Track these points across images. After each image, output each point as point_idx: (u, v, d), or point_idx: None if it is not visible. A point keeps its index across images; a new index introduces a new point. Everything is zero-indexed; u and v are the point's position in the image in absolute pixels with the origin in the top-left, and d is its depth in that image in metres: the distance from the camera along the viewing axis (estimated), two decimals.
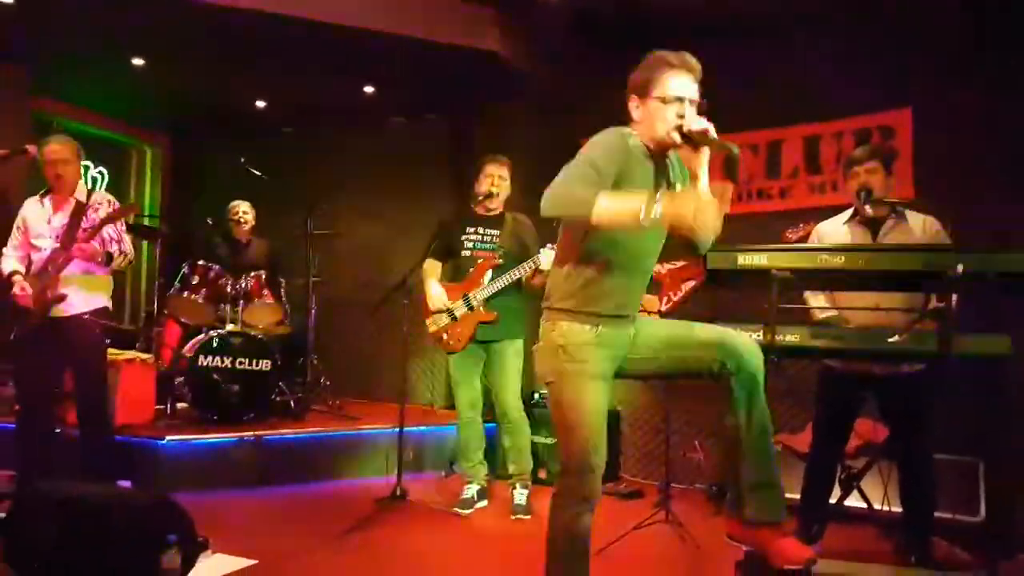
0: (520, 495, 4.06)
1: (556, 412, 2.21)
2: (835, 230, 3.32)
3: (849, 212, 3.31)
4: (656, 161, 2.25)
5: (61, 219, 3.71)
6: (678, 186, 2.32)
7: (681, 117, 2.16)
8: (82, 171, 3.86)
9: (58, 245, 3.65)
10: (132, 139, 7.12)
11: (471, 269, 4.08)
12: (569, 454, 2.15)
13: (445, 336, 4.08)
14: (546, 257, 3.83)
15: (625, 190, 2.06)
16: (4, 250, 3.84)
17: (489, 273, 4.05)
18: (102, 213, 3.72)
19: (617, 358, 2.22)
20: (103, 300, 3.78)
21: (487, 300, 4.01)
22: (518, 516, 3.97)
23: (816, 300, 3.24)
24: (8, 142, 4.77)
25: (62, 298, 3.60)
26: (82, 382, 3.70)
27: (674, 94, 2.18)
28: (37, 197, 3.82)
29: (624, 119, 2.31)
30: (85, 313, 3.67)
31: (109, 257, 3.69)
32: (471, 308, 4.03)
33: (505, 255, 4.05)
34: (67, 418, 4.01)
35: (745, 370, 2.12)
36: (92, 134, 6.64)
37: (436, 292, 4.10)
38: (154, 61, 5.33)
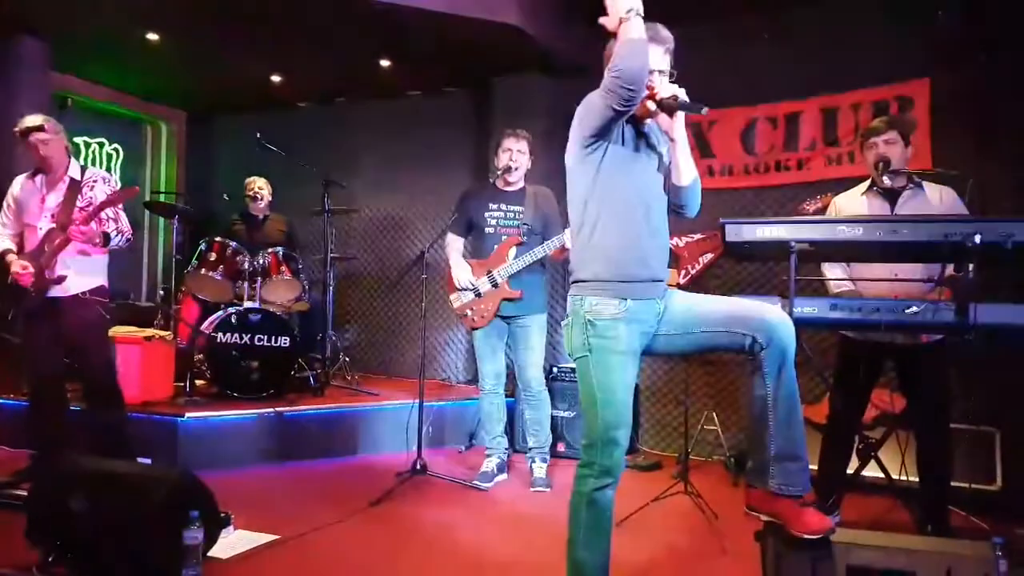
0: (539, 468, 4.13)
1: (584, 386, 2.24)
2: (852, 202, 3.30)
3: (866, 184, 3.29)
4: (637, 129, 2.32)
5: (56, 198, 3.64)
6: (663, 152, 2.38)
7: (652, 87, 2.21)
8: (69, 146, 3.75)
9: (54, 225, 3.59)
10: (147, 115, 7.13)
11: (496, 246, 4.09)
12: (595, 428, 2.19)
13: (470, 312, 4.13)
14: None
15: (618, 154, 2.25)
16: None
17: (513, 250, 4.06)
18: (97, 190, 3.66)
19: (646, 333, 2.24)
20: (100, 279, 3.74)
21: (511, 277, 4.03)
22: (537, 488, 4.03)
23: (832, 271, 3.23)
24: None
25: (61, 279, 3.57)
26: (86, 361, 3.67)
27: None
28: (28, 175, 3.75)
29: None
30: (83, 293, 3.64)
31: (107, 238, 3.64)
32: (495, 285, 4.06)
33: (528, 232, 4.06)
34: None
35: (776, 344, 2.12)
36: (107, 110, 6.68)
37: (462, 269, 4.13)
38: (169, 36, 5.31)
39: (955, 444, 3.31)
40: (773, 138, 4.94)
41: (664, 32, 2.30)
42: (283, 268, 5.11)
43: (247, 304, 4.93)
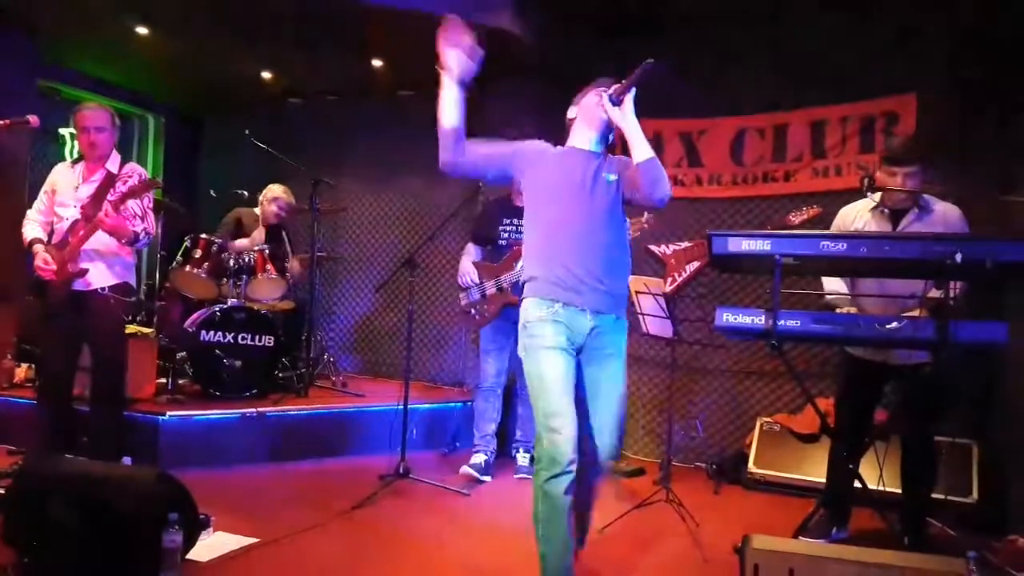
0: (523, 457, 4.39)
1: (527, 383, 2.48)
2: (861, 215, 3.31)
3: (877, 197, 3.25)
4: (575, 158, 2.65)
5: (88, 189, 3.60)
6: (608, 177, 2.60)
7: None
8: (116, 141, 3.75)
9: (79, 216, 3.54)
10: (135, 109, 7.06)
11: (506, 255, 4.31)
12: (537, 419, 2.41)
13: (473, 311, 4.40)
14: None
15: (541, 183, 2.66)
16: (28, 213, 3.73)
17: (521, 261, 4.13)
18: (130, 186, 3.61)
19: (573, 339, 2.47)
20: (123, 277, 3.68)
21: (515, 284, 4.15)
22: (520, 476, 4.29)
23: (831, 283, 3.27)
24: (13, 111, 4.76)
25: (83, 272, 3.51)
26: (99, 360, 3.62)
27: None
28: (69, 162, 3.73)
29: None
30: (103, 288, 3.59)
31: (135, 237, 3.59)
32: (500, 290, 4.29)
33: None
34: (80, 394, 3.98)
35: (590, 466, 2.51)
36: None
37: (469, 270, 4.43)
38: (159, 30, 5.26)
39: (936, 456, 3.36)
40: (761, 149, 4.97)
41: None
42: (268, 266, 5.06)
43: (231, 302, 4.90)
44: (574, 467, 2.32)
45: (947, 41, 4.29)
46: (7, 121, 3.68)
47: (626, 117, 2.50)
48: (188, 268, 4.89)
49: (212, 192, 5.70)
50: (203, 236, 5.00)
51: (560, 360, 2.42)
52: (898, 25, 4.43)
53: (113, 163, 3.69)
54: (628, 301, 2.69)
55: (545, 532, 2.33)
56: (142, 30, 5.25)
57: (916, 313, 2.83)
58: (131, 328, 4.80)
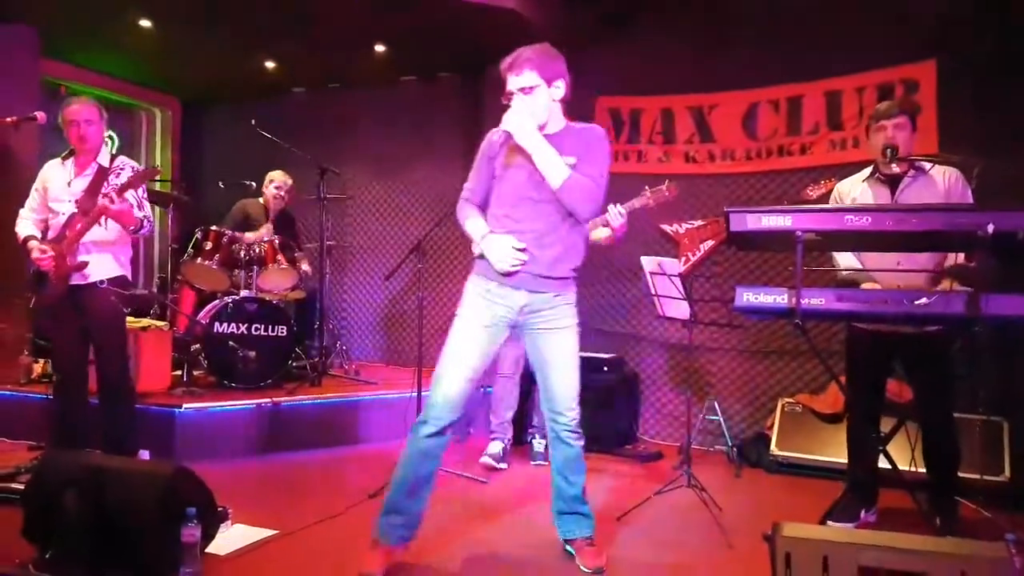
0: (539, 444, 4.34)
1: None
2: (854, 188, 3.25)
3: (868, 170, 3.23)
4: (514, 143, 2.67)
5: (82, 183, 3.60)
6: None
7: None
8: (105, 135, 3.76)
9: (76, 210, 3.54)
10: (141, 102, 7.03)
11: None
12: None
13: None
14: (615, 215, 3.76)
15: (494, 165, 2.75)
16: (20, 212, 3.73)
17: None
18: (124, 178, 3.59)
19: (504, 315, 2.64)
20: (121, 269, 3.68)
21: None
22: (537, 463, 4.26)
23: (843, 258, 3.17)
24: (17, 106, 4.71)
25: (83, 266, 3.51)
26: (101, 353, 3.62)
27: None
28: (59, 159, 3.71)
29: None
30: (102, 281, 3.59)
31: (140, 224, 3.59)
32: None
33: None
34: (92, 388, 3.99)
35: (556, 433, 2.77)
36: (101, 97, 6.53)
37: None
38: (162, 22, 5.22)
39: (964, 435, 3.27)
40: (775, 122, 4.87)
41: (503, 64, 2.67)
42: (279, 256, 5.04)
43: (243, 293, 4.88)
44: (440, 423, 2.62)
45: (968, 6, 4.17)
46: (15, 118, 3.66)
47: (528, 146, 2.55)
48: (200, 260, 4.89)
49: (220, 184, 5.67)
50: (213, 228, 4.99)
51: (467, 331, 2.64)
52: None
53: (103, 157, 3.69)
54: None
55: (396, 469, 2.68)
56: (146, 23, 5.21)
57: (946, 285, 2.74)
58: (145, 321, 4.81)
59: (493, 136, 2.72)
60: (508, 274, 2.60)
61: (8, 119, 3.67)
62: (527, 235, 2.58)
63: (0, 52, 5.18)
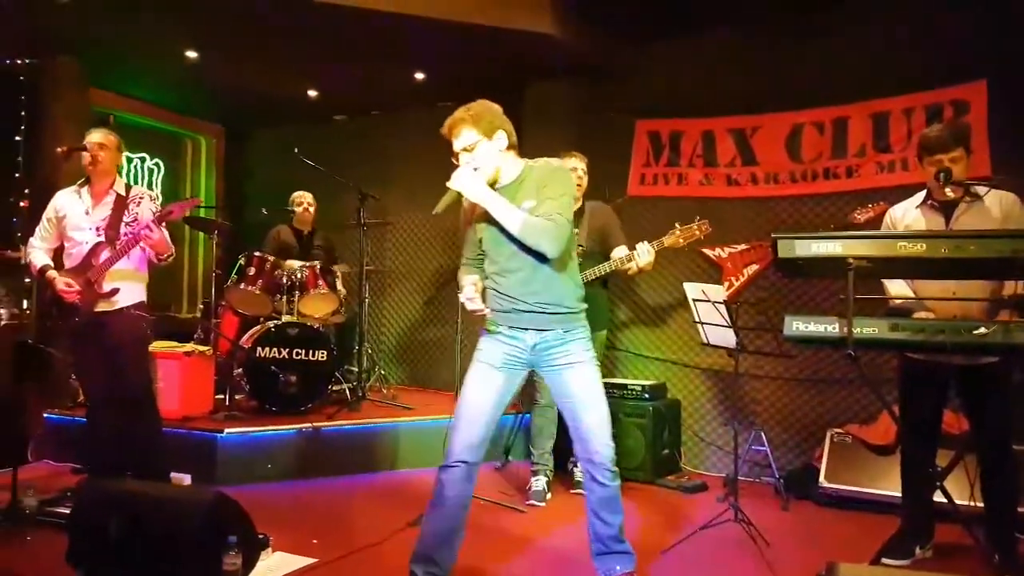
0: (580, 473, 4.12)
1: None
2: (908, 215, 3.15)
3: (921, 195, 3.14)
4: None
5: (103, 212, 3.64)
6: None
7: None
8: (121, 164, 3.83)
9: (101, 238, 3.58)
10: (186, 130, 7.20)
11: None
12: None
13: None
14: (643, 252, 3.94)
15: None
16: (32, 241, 3.75)
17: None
18: (144, 207, 3.65)
19: (517, 356, 2.69)
20: (142, 294, 3.72)
21: None
22: (576, 491, 4.08)
23: (894, 286, 3.08)
24: (68, 135, 4.86)
25: (114, 293, 3.55)
26: (124, 375, 3.62)
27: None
28: (73, 188, 3.73)
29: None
30: (130, 307, 3.63)
31: (171, 254, 3.66)
32: None
33: (585, 253, 4.01)
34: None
35: (592, 467, 2.71)
36: (147, 125, 6.74)
37: None
38: (208, 53, 5.34)
39: (1018, 467, 3.13)
40: (820, 144, 4.77)
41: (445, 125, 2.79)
42: (320, 282, 5.09)
43: (285, 318, 4.92)
44: (462, 466, 2.62)
45: (1019, 22, 4.06)
46: (65, 148, 3.76)
47: (479, 201, 2.62)
48: (243, 286, 4.95)
49: (264, 211, 5.75)
50: (256, 254, 5.05)
51: (481, 375, 2.69)
52: (965, 9, 4.21)
53: (120, 186, 3.73)
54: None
55: (428, 517, 2.65)
56: (192, 54, 5.33)
57: (1005, 315, 2.64)
58: (188, 346, 4.87)
59: (464, 203, 2.77)
60: (513, 316, 2.70)
61: (59, 149, 3.77)
62: (515, 278, 2.66)
63: (51, 84, 5.35)
